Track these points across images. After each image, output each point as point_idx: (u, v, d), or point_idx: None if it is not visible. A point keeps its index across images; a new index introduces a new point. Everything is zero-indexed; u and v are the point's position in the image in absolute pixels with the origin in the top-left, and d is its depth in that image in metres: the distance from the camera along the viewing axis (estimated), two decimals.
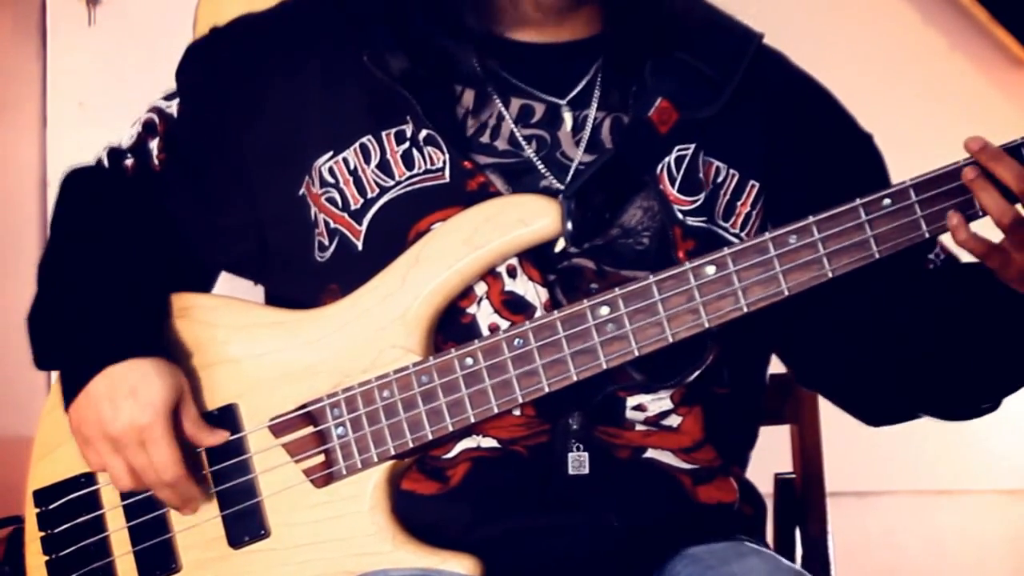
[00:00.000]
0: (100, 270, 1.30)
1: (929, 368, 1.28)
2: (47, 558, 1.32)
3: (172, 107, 1.37)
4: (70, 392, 1.26)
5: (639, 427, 1.25)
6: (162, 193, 1.35)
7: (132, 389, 1.22)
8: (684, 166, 1.27)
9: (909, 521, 2.71)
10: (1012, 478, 2.76)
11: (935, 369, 1.28)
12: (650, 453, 1.26)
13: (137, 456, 1.22)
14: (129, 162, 1.36)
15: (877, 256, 1.18)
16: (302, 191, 1.29)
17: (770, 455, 1.45)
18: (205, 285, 1.39)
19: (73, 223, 1.36)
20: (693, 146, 1.27)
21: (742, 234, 1.29)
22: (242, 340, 1.28)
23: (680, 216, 1.25)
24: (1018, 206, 1.16)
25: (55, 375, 1.32)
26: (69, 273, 1.32)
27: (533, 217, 1.22)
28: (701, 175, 1.27)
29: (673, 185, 1.27)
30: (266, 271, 1.36)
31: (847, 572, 1.67)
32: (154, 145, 1.36)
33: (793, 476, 1.69)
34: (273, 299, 1.37)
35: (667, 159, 1.26)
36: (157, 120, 1.37)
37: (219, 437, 1.24)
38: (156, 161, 1.35)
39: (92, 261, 1.31)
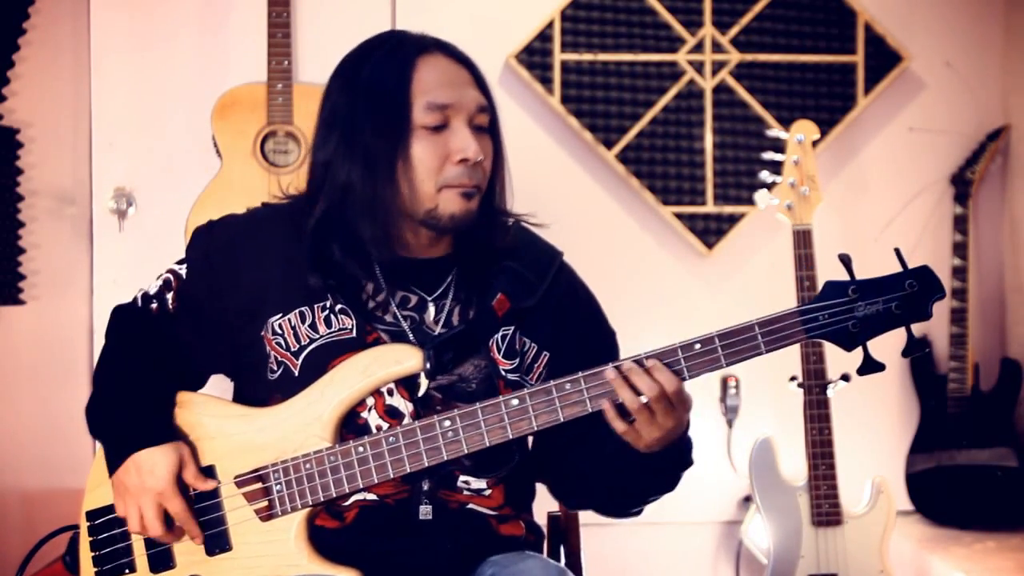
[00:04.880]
0: (130, 380, 1.81)
1: (593, 481, 1.81)
2: (93, 554, 1.81)
3: (182, 270, 1.84)
4: (112, 465, 1.77)
5: (466, 492, 1.78)
6: (175, 327, 1.84)
7: (149, 469, 1.73)
8: (507, 341, 1.81)
9: (630, 542, 3.50)
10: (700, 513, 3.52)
11: (597, 483, 1.81)
12: (471, 505, 1.79)
13: (150, 509, 1.73)
14: (154, 305, 1.85)
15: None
16: (261, 334, 1.79)
17: (546, 499, 1.99)
18: (200, 385, 1.91)
19: (115, 345, 1.87)
20: (513, 328, 1.81)
21: (536, 385, 1.77)
22: (219, 425, 1.79)
23: (503, 372, 1.80)
24: (643, 398, 1.62)
25: (99, 446, 1.82)
26: (111, 381, 1.83)
27: (405, 359, 1.75)
28: (516, 346, 1.81)
29: (499, 352, 1.80)
30: (236, 376, 1.89)
31: (593, 573, 2.12)
32: (170, 296, 1.84)
33: (559, 514, 2.12)
34: (238, 393, 1.88)
35: (496, 335, 1.80)
36: (172, 279, 1.85)
37: (209, 485, 1.76)
38: (171, 307, 1.84)
39: (125, 374, 1.82)
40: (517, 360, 1.81)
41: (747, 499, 3.55)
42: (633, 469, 1.74)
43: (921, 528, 3.51)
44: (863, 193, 3.65)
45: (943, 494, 3.51)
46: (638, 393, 1.63)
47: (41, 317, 3.34)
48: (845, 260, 1.64)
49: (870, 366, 1.64)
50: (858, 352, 1.65)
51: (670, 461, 1.74)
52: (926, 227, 3.60)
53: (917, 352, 1.63)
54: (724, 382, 3.59)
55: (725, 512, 3.62)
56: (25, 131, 3.30)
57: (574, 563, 2.07)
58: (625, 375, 1.63)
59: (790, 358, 3.11)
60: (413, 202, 1.76)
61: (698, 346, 1.64)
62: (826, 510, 3.03)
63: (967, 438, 3.49)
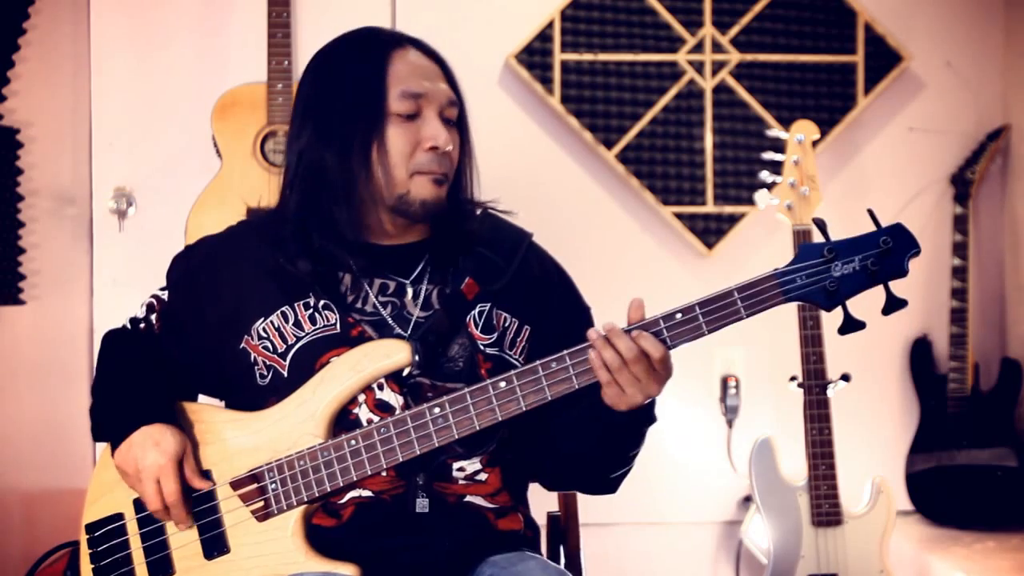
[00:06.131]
0: (130, 386, 1.86)
1: (574, 455, 1.85)
2: (93, 567, 1.84)
3: (164, 294, 1.93)
4: (116, 444, 1.81)
5: (461, 481, 1.80)
6: (161, 347, 1.90)
7: (156, 442, 1.77)
8: (484, 317, 1.85)
9: (630, 542, 3.51)
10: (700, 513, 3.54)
11: (581, 458, 1.84)
12: (468, 498, 1.81)
13: (150, 486, 1.77)
14: (142, 326, 1.93)
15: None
16: (243, 345, 1.83)
17: (545, 499, 2.02)
18: (192, 398, 1.92)
19: (110, 362, 1.93)
20: (489, 304, 1.86)
21: (520, 358, 1.85)
22: (214, 431, 1.81)
23: (482, 347, 1.84)
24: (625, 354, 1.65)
25: (99, 452, 1.83)
26: (111, 389, 1.88)
27: (394, 354, 1.77)
28: (494, 322, 1.86)
29: (477, 328, 1.85)
30: (224, 393, 1.93)
31: (593, 573, 2.15)
32: (154, 317, 1.92)
33: (559, 513, 2.15)
34: (230, 408, 1.90)
35: (473, 312, 1.85)
36: (156, 303, 1.93)
37: (205, 485, 1.79)
38: (156, 327, 1.92)
39: (124, 382, 1.87)
40: (495, 335, 1.85)
41: (747, 499, 3.55)
42: (607, 434, 1.79)
43: (921, 528, 3.51)
44: (863, 193, 3.65)
45: (943, 494, 3.50)
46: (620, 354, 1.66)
47: (41, 317, 3.34)
48: (820, 224, 1.67)
49: (850, 325, 1.65)
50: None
51: (638, 420, 1.77)
52: (926, 227, 3.60)
53: (896, 309, 1.64)
54: (724, 382, 3.58)
55: (725, 512, 3.62)
56: (25, 131, 3.30)
57: (574, 563, 2.07)
58: (607, 336, 1.67)
59: (790, 358, 3.11)
60: (386, 187, 1.82)
61: (679, 315, 1.67)
62: (826, 510, 3.03)
63: (967, 438, 3.49)
